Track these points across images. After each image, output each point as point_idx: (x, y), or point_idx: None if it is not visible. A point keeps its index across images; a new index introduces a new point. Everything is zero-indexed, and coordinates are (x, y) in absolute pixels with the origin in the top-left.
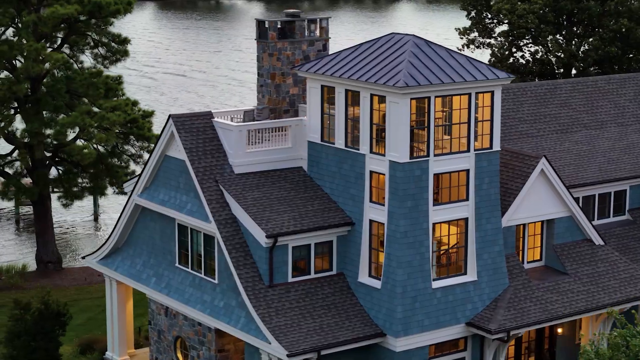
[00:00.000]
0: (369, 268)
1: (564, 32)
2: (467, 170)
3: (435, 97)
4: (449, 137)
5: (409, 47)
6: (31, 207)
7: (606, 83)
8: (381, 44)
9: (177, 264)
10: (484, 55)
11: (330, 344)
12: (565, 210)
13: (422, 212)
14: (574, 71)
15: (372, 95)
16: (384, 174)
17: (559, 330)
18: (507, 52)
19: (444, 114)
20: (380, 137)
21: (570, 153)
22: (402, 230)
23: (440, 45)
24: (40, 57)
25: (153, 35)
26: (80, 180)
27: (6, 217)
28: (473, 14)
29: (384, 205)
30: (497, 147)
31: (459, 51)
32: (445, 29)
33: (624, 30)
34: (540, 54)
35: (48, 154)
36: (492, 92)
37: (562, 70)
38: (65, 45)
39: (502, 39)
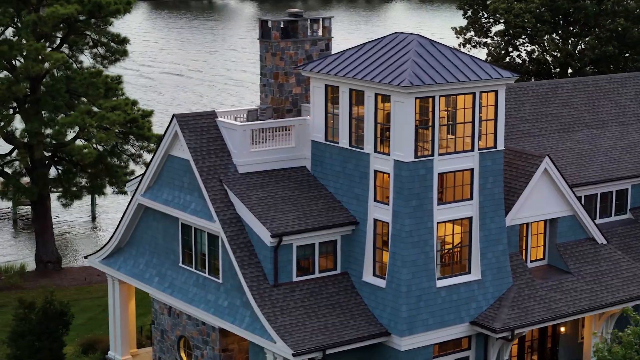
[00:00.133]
0: (374, 267)
1: (560, 32)
2: (472, 170)
3: (440, 96)
4: (453, 136)
5: (414, 47)
6: (29, 207)
7: (607, 82)
8: (385, 43)
9: (180, 264)
10: (480, 54)
11: (336, 343)
12: (568, 209)
13: (426, 212)
14: (570, 70)
15: (376, 95)
16: (388, 173)
17: (562, 329)
18: (503, 52)
19: (448, 113)
20: (385, 136)
21: (572, 152)
22: (407, 229)
23: (444, 45)
24: (40, 57)
25: (148, 35)
26: (79, 180)
27: (4, 218)
28: (469, 13)
29: (388, 204)
30: (501, 146)
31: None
32: (439, 29)
33: (620, 29)
34: (536, 53)
35: (47, 154)
36: (496, 92)
37: (558, 69)
38: (65, 45)
39: (499, 39)
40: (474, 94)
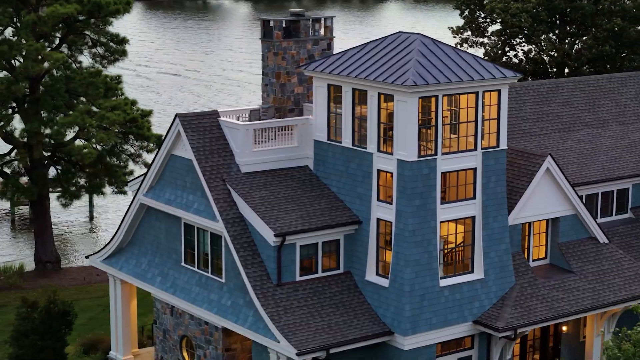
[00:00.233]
0: (377, 266)
1: (557, 31)
2: (474, 169)
3: (443, 95)
4: (456, 135)
5: (417, 46)
6: (26, 207)
7: (607, 82)
8: (388, 42)
9: (183, 263)
10: (477, 54)
11: (339, 343)
12: (570, 209)
13: (430, 211)
14: (567, 70)
15: (379, 94)
16: (391, 173)
17: (564, 328)
18: (500, 52)
19: (450, 112)
20: (388, 135)
21: (573, 151)
22: (411, 228)
23: (447, 44)
24: (40, 57)
25: (143, 35)
26: (78, 180)
27: (1, 218)
28: (466, 13)
29: (391, 203)
30: (503, 145)
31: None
32: (434, 28)
33: (617, 29)
34: (533, 53)
35: (47, 154)
36: (499, 91)
37: (555, 69)
38: (64, 45)
39: (496, 38)
40: (476, 93)
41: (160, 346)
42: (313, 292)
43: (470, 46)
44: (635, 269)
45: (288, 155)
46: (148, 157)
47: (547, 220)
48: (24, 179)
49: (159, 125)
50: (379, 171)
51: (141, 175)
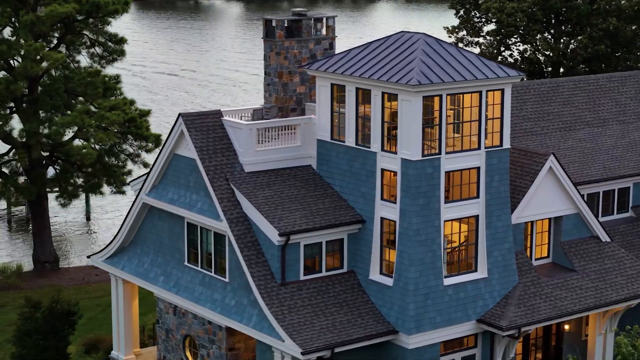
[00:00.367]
0: (380, 266)
1: (552, 31)
2: (478, 168)
3: (447, 95)
4: (459, 135)
5: (420, 46)
6: (23, 207)
7: (607, 81)
8: (391, 42)
9: (186, 263)
10: None
11: (344, 342)
12: (573, 208)
13: (433, 210)
14: (562, 70)
15: (383, 94)
16: (395, 172)
17: (566, 326)
18: (495, 51)
19: (454, 111)
20: (392, 134)
21: (574, 151)
22: (415, 227)
23: (450, 44)
24: (39, 57)
25: (137, 35)
26: (77, 179)
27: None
28: (462, 12)
29: (395, 202)
30: (507, 144)
31: None
32: (427, 28)
33: (612, 28)
34: (529, 52)
35: (45, 154)
36: (503, 90)
37: (550, 69)
38: (62, 45)
39: (491, 38)
40: (480, 92)
41: (163, 346)
42: (317, 291)
43: (466, 46)
44: (637, 268)
45: (291, 155)
46: (147, 157)
47: (550, 219)
48: (20, 179)
49: (157, 125)
50: (382, 170)
51: (143, 175)
